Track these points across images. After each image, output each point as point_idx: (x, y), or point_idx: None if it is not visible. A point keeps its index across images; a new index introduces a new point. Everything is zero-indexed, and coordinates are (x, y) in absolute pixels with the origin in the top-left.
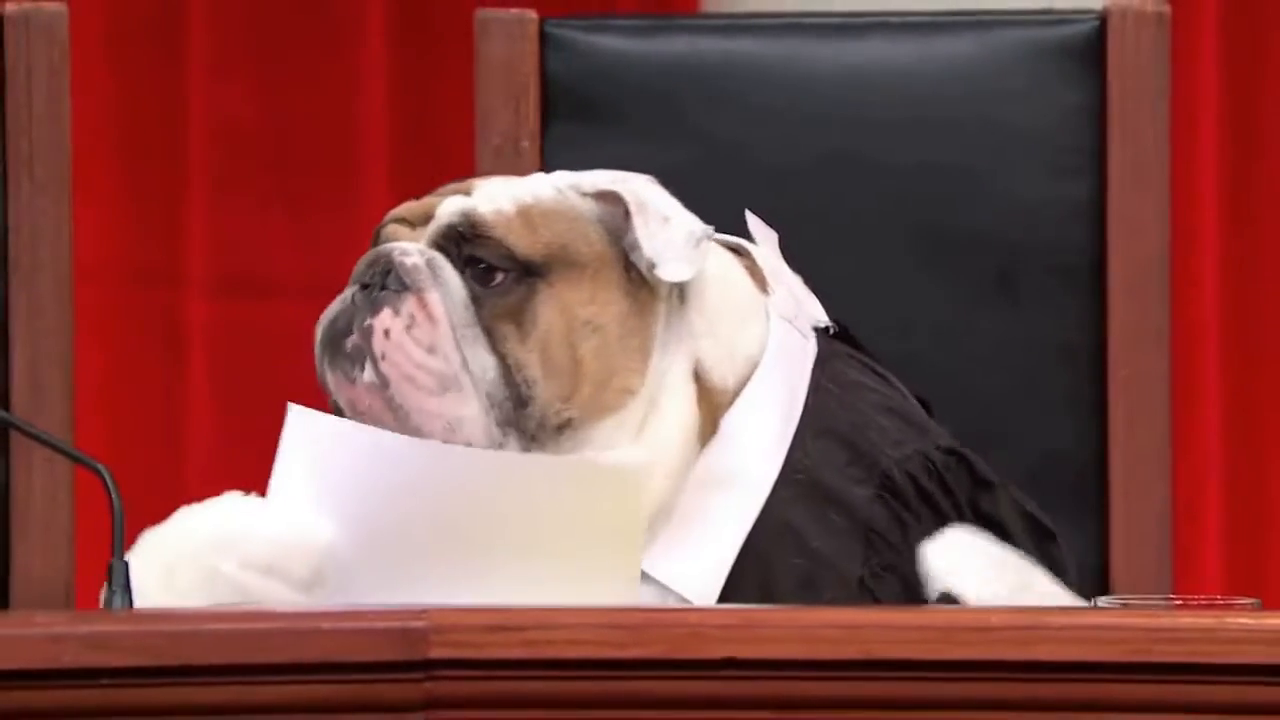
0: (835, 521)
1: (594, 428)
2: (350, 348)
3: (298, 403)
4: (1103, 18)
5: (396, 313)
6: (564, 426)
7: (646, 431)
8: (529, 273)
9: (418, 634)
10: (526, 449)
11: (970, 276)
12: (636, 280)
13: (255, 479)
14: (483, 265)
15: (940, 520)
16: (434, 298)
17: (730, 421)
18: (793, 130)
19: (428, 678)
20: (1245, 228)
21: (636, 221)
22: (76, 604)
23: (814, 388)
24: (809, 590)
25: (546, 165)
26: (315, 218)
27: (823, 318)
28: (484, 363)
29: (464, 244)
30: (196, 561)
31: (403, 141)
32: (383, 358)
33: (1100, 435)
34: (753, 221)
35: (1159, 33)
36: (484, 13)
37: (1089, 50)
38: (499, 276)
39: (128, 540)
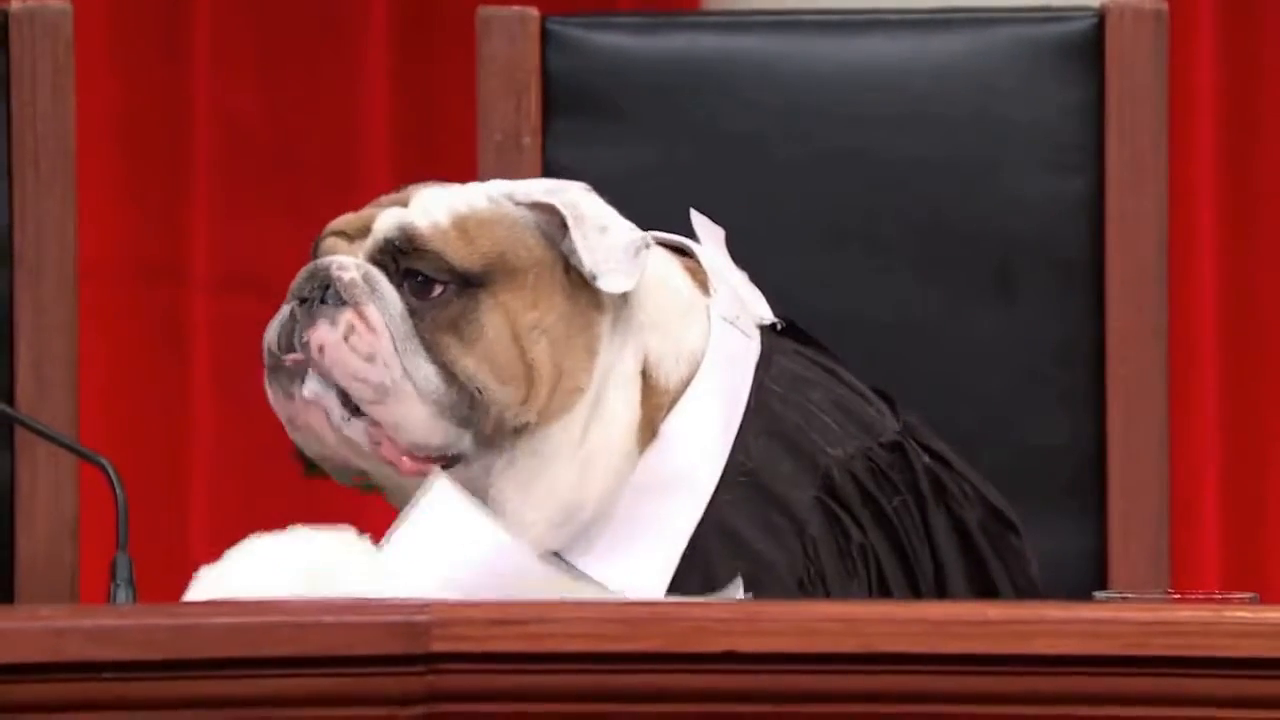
0: (777, 524)
1: (547, 429)
2: (290, 363)
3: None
4: (1101, 15)
5: (334, 324)
6: (520, 430)
7: (591, 430)
8: (469, 283)
9: (420, 627)
10: (485, 456)
11: (968, 273)
12: (578, 281)
13: (256, 476)
14: (421, 278)
15: (883, 519)
16: (371, 311)
17: (670, 425)
18: (792, 126)
19: (430, 670)
20: (1243, 225)
21: (575, 234)
22: (80, 598)
23: (756, 387)
24: (751, 593)
25: (548, 162)
26: (318, 215)
27: (768, 314)
28: (426, 372)
29: (401, 258)
30: (289, 578)
31: (405, 139)
32: (321, 373)
33: (1098, 432)
34: (697, 219)
35: (1157, 30)
36: (485, 11)
37: (1087, 47)
38: (438, 289)
39: (131, 535)
